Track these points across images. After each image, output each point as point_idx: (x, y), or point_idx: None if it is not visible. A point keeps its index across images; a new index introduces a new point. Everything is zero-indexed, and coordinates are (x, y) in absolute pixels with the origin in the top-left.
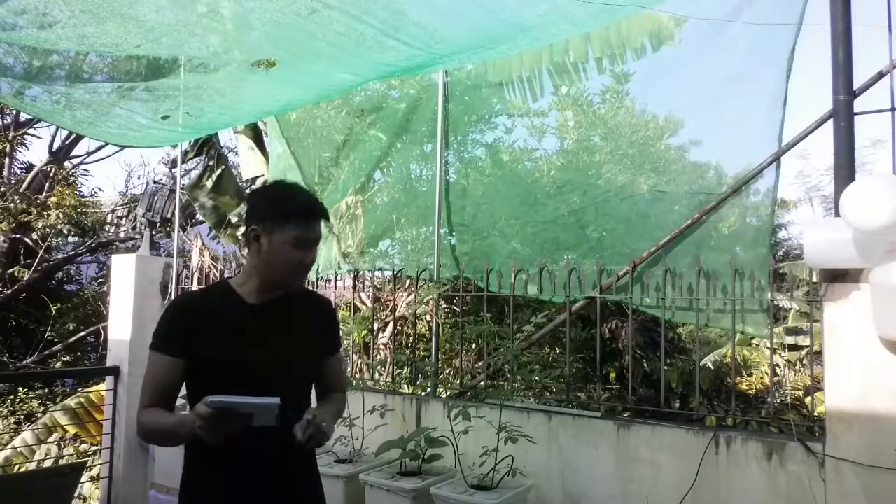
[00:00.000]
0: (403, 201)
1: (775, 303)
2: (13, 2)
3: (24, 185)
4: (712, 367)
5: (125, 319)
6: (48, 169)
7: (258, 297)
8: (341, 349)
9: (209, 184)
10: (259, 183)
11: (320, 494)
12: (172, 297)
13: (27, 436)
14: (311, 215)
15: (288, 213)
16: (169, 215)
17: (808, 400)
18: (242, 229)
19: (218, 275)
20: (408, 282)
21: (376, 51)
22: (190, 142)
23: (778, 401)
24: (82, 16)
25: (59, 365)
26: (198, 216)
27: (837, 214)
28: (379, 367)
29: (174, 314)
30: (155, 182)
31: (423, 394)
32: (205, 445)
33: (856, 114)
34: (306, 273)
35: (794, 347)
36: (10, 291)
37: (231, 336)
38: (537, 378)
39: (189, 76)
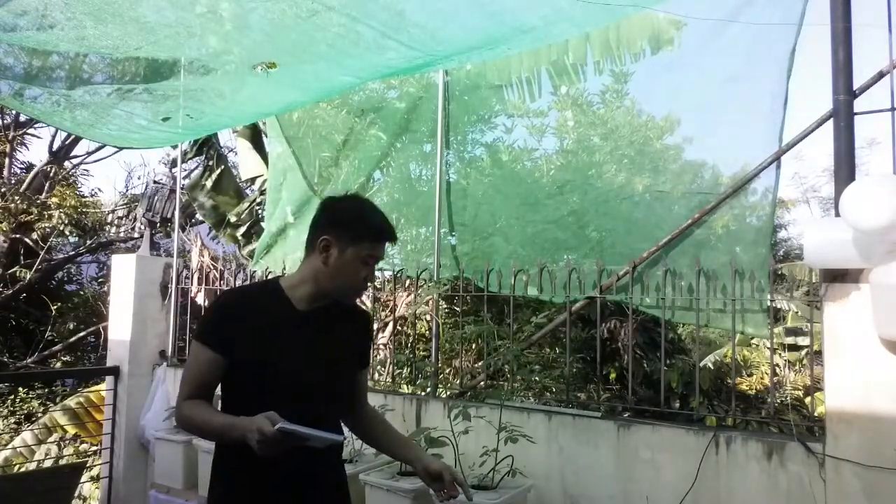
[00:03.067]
0: (403, 201)
1: (775, 303)
2: (14, 3)
3: (24, 185)
4: (712, 368)
5: (125, 319)
6: (48, 169)
7: (308, 304)
8: (371, 363)
9: (209, 184)
10: (258, 183)
11: (346, 498)
12: (172, 297)
13: (27, 436)
14: (389, 237)
15: (370, 230)
16: (169, 215)
17: (808, 400)
18: (242, 229)
19: (218, 275)
20: (408, 282)
21: (376, 52)
22: (189, 142)
23: (778, 401)
24: (83, 18)
25: (59, 365)
26: (198, 216)
27: (837, 214)
28: (379, 367)
29: (224, 309)
30: (155, 182)
31: (423, 394)
32: (238, 448)
33: (856, 114)
34: (365, 290)
35: (793, 347)
36: (10, 291)
37: (279, 341)
38: (537, 378)
39: (189, 78)
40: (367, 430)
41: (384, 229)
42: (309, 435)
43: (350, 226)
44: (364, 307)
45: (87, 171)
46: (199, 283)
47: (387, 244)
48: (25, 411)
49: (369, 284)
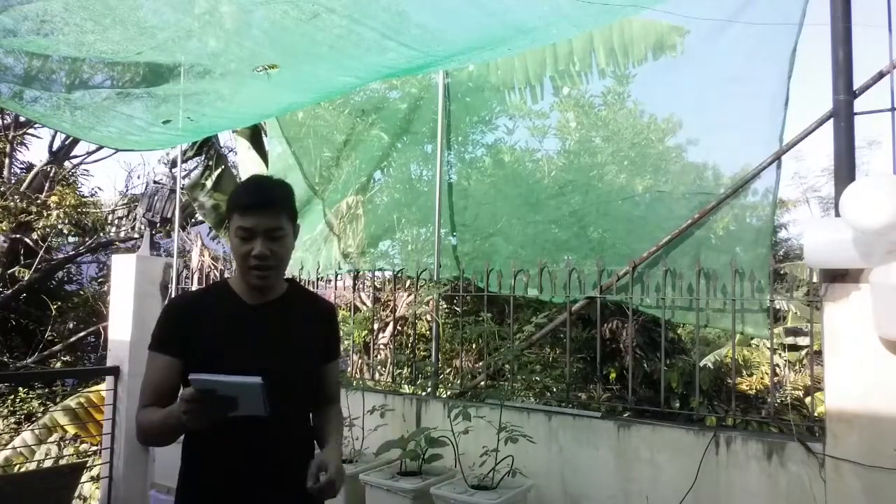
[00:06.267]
0: (404, 201)
1: (775, 303)
2: (15, 9)
3: (24, 185)
4: (712, 367)
5: (125, 319)
6: (48, 169)
7: (256, 298)
8: (339, 356)
9: (209, 184)
10: None
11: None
12: (172, 297)
13: (27, 436)
14: (253, 204)
15: (232, 202)
16: (169, 215)
17: (808, 400)
18: None
19: (218, 275)
20: (408, 282)
21: (377, 53)
22: (189, 142)
23: (778, 401)
24: (83, 23)
25: (59, 365)
26: (198, 216)
27: (837, 214)
28: (379, 367)
29: (171, 313)
30: (155, 182)
31: (423, 394)
32: (200, 449)
33: (856, 114)
34: (264, 268)
35: (793, 347)
36: (10, 291)
37: (229, 337)
38: (537, 378)
39: (189, 80)
40: (314, 422)
41: (245, 197)
42: (222, 382)
43: (228, 204)
44: (327, 298)
45: (86, 171)
46: (200, 284)
47: (267, 215)
48: (25, 411)
49: (260, 261)
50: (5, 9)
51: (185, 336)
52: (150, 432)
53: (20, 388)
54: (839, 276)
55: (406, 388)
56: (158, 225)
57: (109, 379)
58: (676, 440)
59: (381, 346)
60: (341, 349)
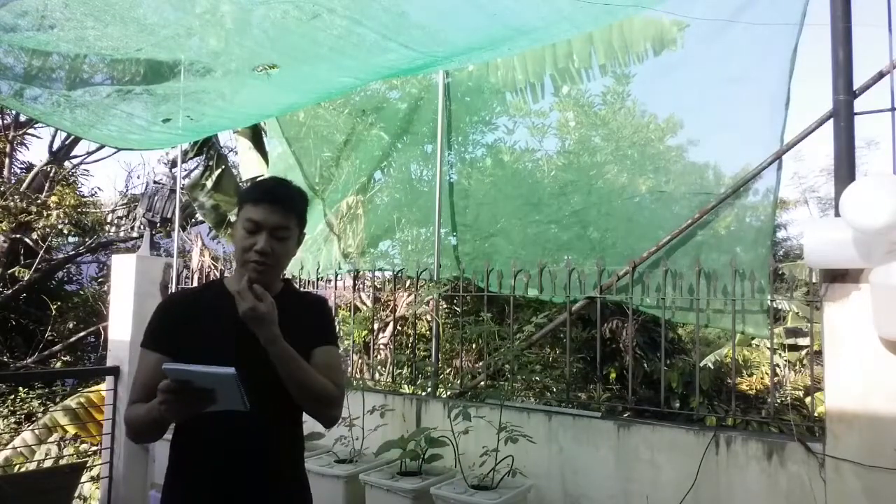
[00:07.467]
0: (404, 201)
1: (775, 303)
2: (14, 3)
3: (24, 185)
4: (712, 368)
5: (125, 319)
6: (48, 169)
7: None
8: (337, 345)
9: (209, 184)
10: None
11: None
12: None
13: (27, 436)
14: (266, 199)
15: (245, 194)
16: (169, 215)
17: (808, 400)
18: None
19: (218, 275)
20: (408, 282)
21: (377, 54)
22: (190, 142)
23: (778, 401)
24: (83, 19)
25: (59, 365)
26: (198, 216)
27: (837, 214)
28: (379, 367)
29: (164, 311)
30: (155, 182)
31: (423, 394)
32: (186, 447)
33: (856, 114)
34: (263, 263)
35: (793, 348)
36: (10, 291)
37: (220, 336)
38: (537, 378)
39: (190, 79)
40: None
41: (256, 191)
42: (196, 372)
43: (237, 199)
44: (318, 294)
45: (86, 171)
46: (199, 283)
47: (277, 212)
48: (25, 411)
49: (260, 256)
50: (4, 3)
51: (176, 334)
52: (134, 426)
53: (20, 388)
54: (839, 276)
55: (406, 388)
56: (158, 225)
57: (109, 379)
58: (676, 440)
59: (381, 346)
60: (341, 348)
